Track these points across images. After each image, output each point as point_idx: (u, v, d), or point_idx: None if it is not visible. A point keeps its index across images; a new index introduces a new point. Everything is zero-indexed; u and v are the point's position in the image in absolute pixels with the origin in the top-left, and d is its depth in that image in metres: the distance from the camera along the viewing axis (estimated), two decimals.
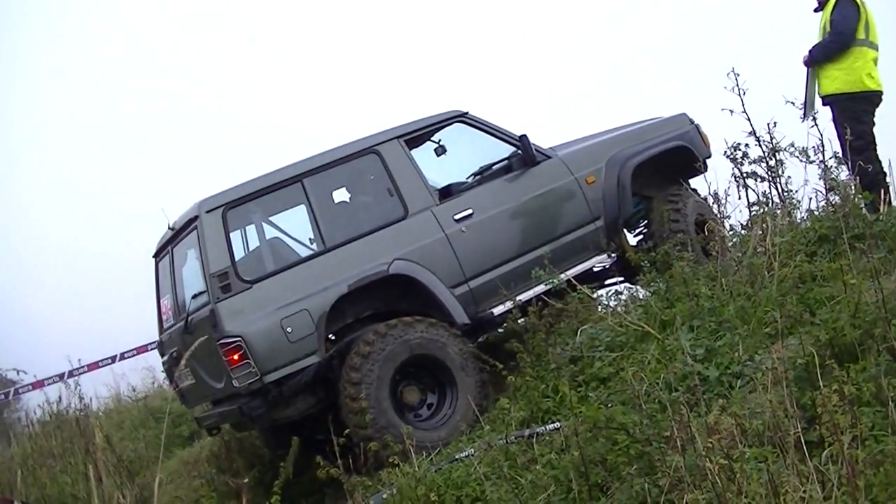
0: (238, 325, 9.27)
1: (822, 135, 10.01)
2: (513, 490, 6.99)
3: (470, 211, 10.42)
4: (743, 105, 10.04)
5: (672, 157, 11.54)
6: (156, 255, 11.16)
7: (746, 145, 10.25)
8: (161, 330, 11.18)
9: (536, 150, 10.90)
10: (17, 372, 18.59)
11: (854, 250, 8.04)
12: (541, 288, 10.11)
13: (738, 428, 5.49)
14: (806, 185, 10.12)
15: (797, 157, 10.07)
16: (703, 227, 11.00)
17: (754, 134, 10.24)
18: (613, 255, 10.99)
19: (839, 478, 4.78)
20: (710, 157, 11.80)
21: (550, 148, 11.36)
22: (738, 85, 9.90)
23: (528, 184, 10.81)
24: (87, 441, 11.23)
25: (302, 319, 9.46)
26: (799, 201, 10.08)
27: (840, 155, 9.94)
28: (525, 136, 10.74)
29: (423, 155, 11.10)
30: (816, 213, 9.66)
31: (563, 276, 10.04)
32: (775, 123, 10.17)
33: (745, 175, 10.30)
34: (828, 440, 5.14)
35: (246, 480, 8.44)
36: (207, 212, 9.66)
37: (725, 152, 10.31)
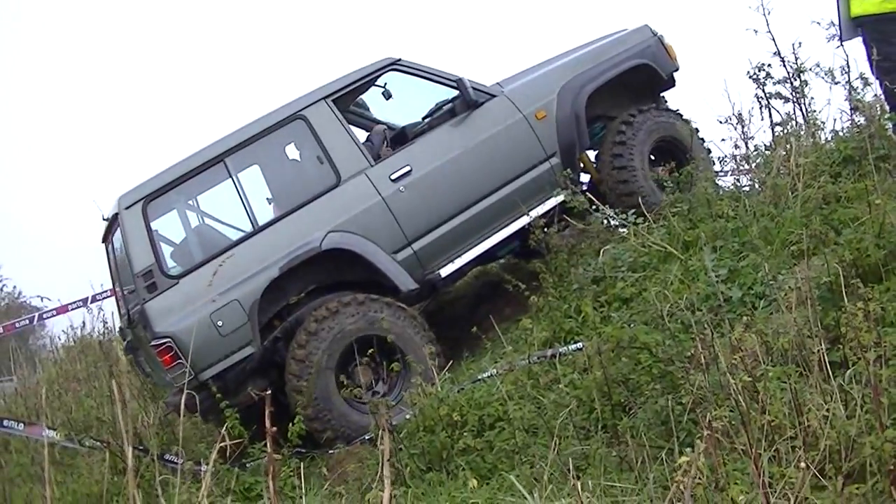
0: (167, 325, 8.82)
1: (847, 56, 9.91)
2: (535, 410, 7.04)
3: (408, 168, 9.71)
4: (767, 25, 9.95)
5: (635, 75, 10.79)
6: (103, 241, 10.44)
7: (769, 65, 10.16)
8: (120, 315, 10.54)
9: (478, 89, 10.07)
10: (41, 298, 18.69)
11: (879, 171, 7.99)
12: (495, 239, 9.88)
13: (761, 347, 5.51)
14: (829, 106, 10.04)
15: (822, 77, 9.98)
16: (673, 148, 10.60)
17: (779, 54, 10.15)
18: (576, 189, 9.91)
19: (862, 396, 4.79)
20: (677, 70, 11.04)
21: (499, 82, 10.63)
22: (762, 5, 9.80)
23: (470, 129, 10.01)
24: (110, 365, 11.33)
25: (232, 311, 8.97)
26: (823, 122, 10.01)
27: (867, 76, 9.83)
28: (461, 78, 9.95)
29: (371, 100, 10.98)
30: (841, 133, 9.57)
31: (517, 223, 9.87)
32: (800, 44, 10.07)
33: (768, 96, 10.22)
34: (851, 360, 5.16)
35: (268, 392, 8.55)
36: (126, 208, 9.17)
37: (749, 73, 10.21)
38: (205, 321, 8.85)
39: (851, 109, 9.50)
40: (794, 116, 10.07)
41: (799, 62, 10.05)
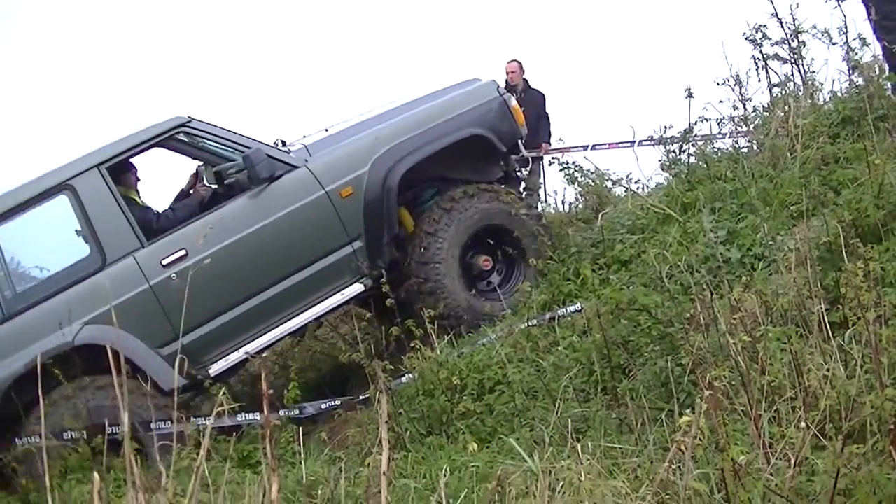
0: None
1: (845, 16, 9.86)
2: (535, 373, 7.05)
3: (183, 252, 8.50)
4: None
5: (471, 143, 9.43)
6: None
7: (767, 27, 10.11)
8: None
9: (276, 159, 8.85)
10: None
11: (878, 131, 7.97)
12: (275, 334, 8.83)
13: (761, 307, 5.50)
14: (827, 67, 10.00)
15: (820, 38, 9.92)
16: (502, 233, 9.34)
17: (776, 15, 10.09)
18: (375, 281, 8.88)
19: (862, 356, 4.78)
20: (522, 137, 9.86)
21: (315, 143, 9.64)
22: None
23: (260, 207, 8.77)
24: None
25: None
26: (821, 83, 9.96)
27: (865, 36, 9.79)
28: (254, 149, 8.70)
29: None
30: (839, 94, 9.53)
31: (307, 313, 8.86)
32: (797, 4, 10.00)
33: (766, 57, 10.16)
34: (851, 320, 5.14)
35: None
36: None
37: (746, 34, 10.16)
38: None
39: (850, 70, 9.45)
40: (791, 78, 10.02)
41: (796, 23, 9.97)
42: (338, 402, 8.37)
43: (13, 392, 7.93)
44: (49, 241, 9.05)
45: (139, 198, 9.27)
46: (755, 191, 7.92)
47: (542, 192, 14.50)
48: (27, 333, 8.15)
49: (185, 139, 9.33)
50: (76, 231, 8.52)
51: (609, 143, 14.39)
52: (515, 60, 14.58)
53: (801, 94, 9.59)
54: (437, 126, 9.26)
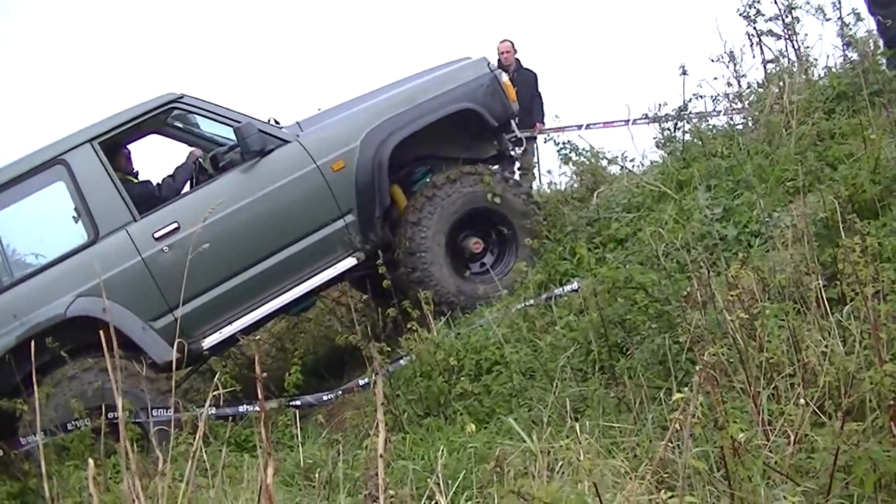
0: None
1: None
2: (532, 353, 7.04)
3: (175, 225, 8.54)
4: None
5: (463, 118, 9.40)
6: None
7: (760, 2, 10.07)
8: None
9: (268, 134, 8.88)
10: None
11: (873, 106, 7.95)
12: (269, 307, 8.81)
13: (758, 284, 5.49)
14: (822, 42, 9.99)
15: (814, 14, 9.89)
16: (491, 215, 9.29)
17: None
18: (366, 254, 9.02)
19: (861, 332, 4.77)
20: (514, 113, 9.82)
21: (307, 119, 9.79)
22: None
23: (252, 181, 8.81)
24: None
25: None
26: (816, 59, 9.93)
27: (859, 11, 9.76)
28: (245, 122, 8.72)
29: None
30: (834, 69, 9.50)
31: (301, 287, 8.81)
32: None
33: (760, 33, 10.13)
34: (849, 296, 5.14)
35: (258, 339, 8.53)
36: None
37: (740, 10, 10.12)
38: None
39: (844, 45, 9.42)
40: (786, 53, 9.99)
41: None
42: (339, 393, 8.38)
43: (9, 367, 7.89)
44: (44, 216, 9.12)
45: (136, 181, 9.34)
46: (751, 167, 7.90)
47: (536, 171, 14.50)
48: (19, 307, 8.20)
49: (179, 125, 9.56)
50: (73, 208, 8.54)
51: (604, 122, 14.37)
52: (508, 40, 14.55)
53: (795, 69, 9.55)
54: (428, 101, 9.27)
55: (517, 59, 14.47)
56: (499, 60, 14.39)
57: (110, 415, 7.51)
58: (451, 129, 9.44)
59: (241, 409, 8.13)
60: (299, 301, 9.07)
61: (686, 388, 4.27)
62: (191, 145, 9.80)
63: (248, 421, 8.06)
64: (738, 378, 4.83)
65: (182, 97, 8.83)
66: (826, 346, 4.82)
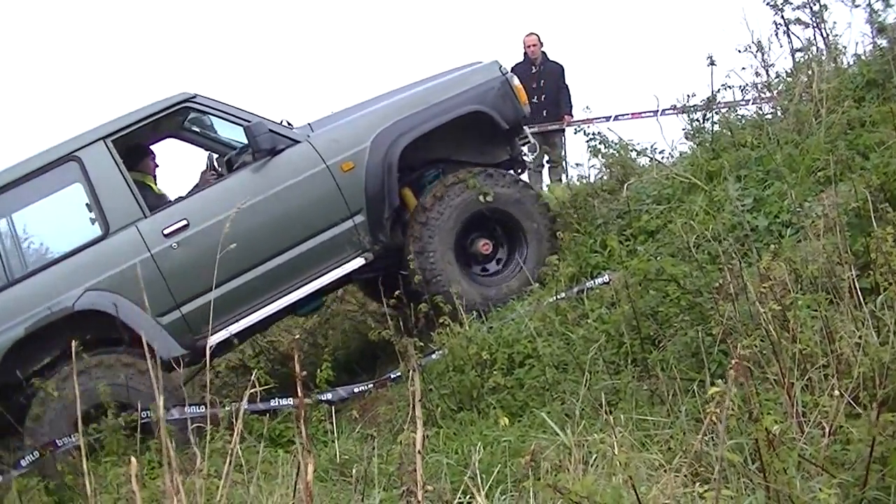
0: None
1: None
2: (564, 346, 7.04)
3: (184, 222, 8.62)
4: None
5: (475, 120, 9.32)
6: None
7: None
8: None
9: (278, 134, 8.91)
10: None
11: None
12: (276, 306, 8.82)
13: (790, 275, 5.48)
14: (851, 30, 9.93)
15: (842, 0, 9.85)
16: (502, 216, 9.21)
17: None
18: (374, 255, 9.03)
19: (895, 322, 4.76)
20: (524, 116, 9.66)
21: (318, 121, 9.78)
22: None
23: (262, 181, 8.85)
24: None
25: None
26: (845, 46, 9.89)
27: None
28: (256, 122, 8.76)
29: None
30: (864, 57, 9.46)
31: (308, 286, 8.81)
32: None
33: (787, 22, 10.09)
34: (882, 285, 5.12)
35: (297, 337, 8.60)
36: None
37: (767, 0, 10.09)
38: None
39: (873, 32, 9.38)
40: (814, 42, 9.95)
41: None
42: (370, 385, 8.41)
43: (18, 360, 8.18)
44: (58, 211, 9.17)
45: (155, 185, 9.44)
46: (781, 157, 7.87)
47: (564, 164, 14.50)
48: (31, 299, 8.32)
49: (197, 129, 9.69)
50: (85, 203, 8.65)
51: (632, 113, 14.36)
52: (534, 33, 14.55)
53: (824, 58, 9.53)
54: (439, 104, 9.23)
55: (543, 52, 14.48)
56: (525, 53, 14.41)
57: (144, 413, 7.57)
58: (463, 133, 9.43)
59: (274, 404, 8.17)
60: (307, 301, 9.06)
61: (720, 381, 4.28)
62: (208, 150, 9.88)
63: (282, 416, 8.11)
64: (771, 370, 4.83)
65: (195, 97, 8.88)
66: (860, 337, 4.80)
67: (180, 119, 9.56)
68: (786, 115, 8.81)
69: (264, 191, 8.78)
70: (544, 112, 14.21)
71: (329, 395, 8.13)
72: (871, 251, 5.08)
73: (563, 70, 14.56)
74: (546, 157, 14.54)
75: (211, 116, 9.43)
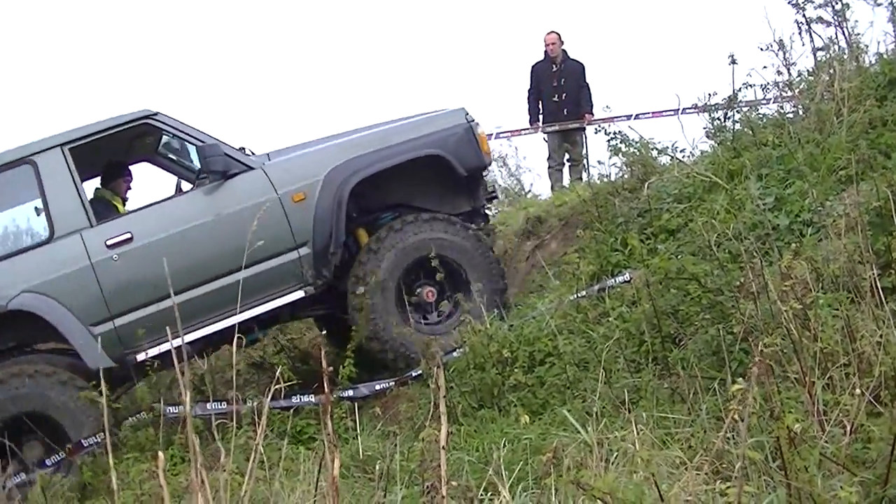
0: None
1: None
2: (585, 344, 7.07)
3: (128, 235, 8.61)
4: None
5: (433, 167, 9.31)
6: None
7: None
8: None
9: (234, 159, 8.90)
10: None
11: None
12: (210, 329, 8.66)
13: (811, 274, 5.48)
14: (872, 28, 9.91)
15: (864, 0, 9.85)
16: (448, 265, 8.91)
17: None
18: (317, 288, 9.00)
19: None
20: (485, 166, 9.74)
21: (284, 149, 9.76)
22: None
23: (211, 202, 8.85)
24: None
25: None
26: (867, 45, 9.88)
27: None
28: (211, 144, 8.76)
29: None
30: (886, 56, 9.44)
31: (245, 314, 8.60)
32: None
33: (809, 20, 10.08)
34: None
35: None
36: None
37: None
38: None
39: None
40: (836, 40, 9.94)
41: None
42: (391, 383, 8.45)
43: None
44: (9, 213, 9.30)
45: (122, 206, 9.47)
46: (802, 156, 7.87)
47: (585, 162, 14.52)
48: None
49: (171, 156, 9.83)
50: (34, 206, 8.77)
51: (653, 112, 14.37)
52: (554, 32, 14.55)
53: (846, 56, 9.51)
54: (398, 144, 9.22)
55: (564, 50, 14.47)
56: (545, 52, 14.42)
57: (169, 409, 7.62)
58: (425, 180, 9.43)
59: (296, 401, 8.21)
60: (246, 330, 8.45)
61: (740, 379, 4.29)
62: (181, 177, 9.93)
63: (303, 413, 8.15)
64: (792, 368, 4.84)
65: (156, 114, 8.87)
66: (881, 336, 4.80)
67: (154, 143, 9.64)
68: (807, 114, 8.80)
69: (212, 213, 8.80)
70: (565, 110, 14.23)
71: (351, 392, 8.18)
72: (893, 250, 5.10)
73: (583, 68, 14.55)
74: (567, 156, 14.55)
75: (175, 138, 9.42)
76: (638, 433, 4.82)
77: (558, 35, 14.51)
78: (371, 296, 8.78)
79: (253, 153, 9.53)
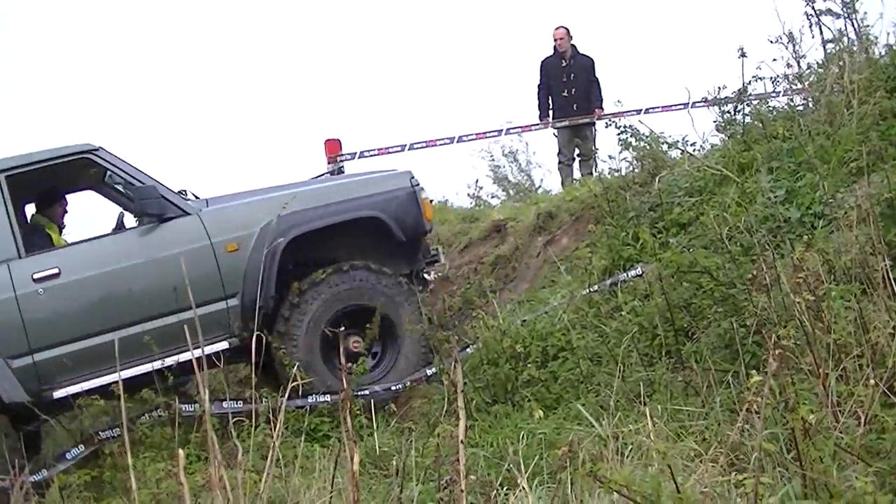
0: None
1: None
2: (598, 338, 7.08)
3: (56, 270, 8.49)
4: None
5: (373, 228, 9.24)
6: None
7: None
8: None
9: (170, 202, 8.77)
10: None
11: None
12: (131, 372, 8.37)
13: (823, 266, 5.50)
14: (882, 20, 9.89)
15: None
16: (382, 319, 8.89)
17: None
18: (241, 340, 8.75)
19: None
20: (426, 231, 9.56)
21: (225, 196, 9.56)
22: None
23: (142, 245, 8.75)
24: None
25: None
26: (876, 37, 9.86)
27: None
28: (147, 186, 8.70)
29: None
30: (895, 47, 9.44)
31: (169, 360, 8.29)
32: None
33: (818, 13, 10.07)
34: None
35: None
36: None
37: None
38: None
39: None
40: (845, 32, 9.91)
41: None
42: (406, 382, 8.48)
43: None
44: None
45: (58, 234, 9.37)
46: (812, 149, 7.87)
47: (596, 157, 14.51)
48: None
49: (119, 187, 9.52)
50: None
51: (663, 106, 14.35)
52: (563, 27, 14.54)
53: (856, 48, 9.49)
54: (337, 203, 9.17)
55: (573, 45, 14.45)
56: (554, 47, 14.41)
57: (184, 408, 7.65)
58: (365, 240, 9.33)
59: (311, 400, 8.23)
60: (166, 376, 8.31)
61: (754, 371, 4.31)
62: (125, 208, 9.77)
63: (317, 411, 8.18)
64: (805, 360, 4.85)
65: (98, 149, 8.74)
66: (894, 327, 4.82)
67: (99, 174, 9.47)
68: (817, 107, 8.79)
69: (143, 255, 8.70)
70: (575, 105, 14.23)
71: (366, 392, 8.20)
72: None
73: (593, 63, 14.54)
74: (577, 151, 14.54)
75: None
76: (652, 426, 4.84)
77: (567, 30, 14.49)
78: (293, 351, 8.70)
79: (196, 196, 9.43)
